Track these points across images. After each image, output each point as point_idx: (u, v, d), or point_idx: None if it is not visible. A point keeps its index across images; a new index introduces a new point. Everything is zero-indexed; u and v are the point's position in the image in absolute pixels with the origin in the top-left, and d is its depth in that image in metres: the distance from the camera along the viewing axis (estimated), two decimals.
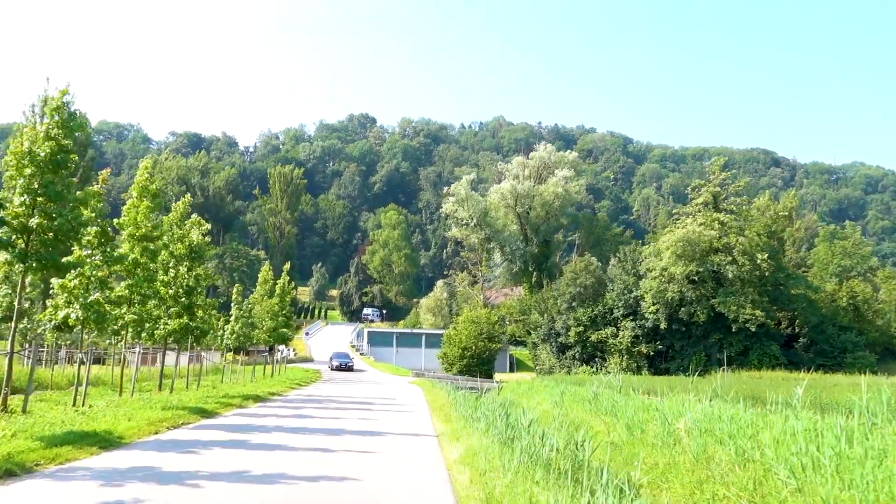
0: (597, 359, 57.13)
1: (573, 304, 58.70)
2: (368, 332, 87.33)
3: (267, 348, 58.44)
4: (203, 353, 55.05)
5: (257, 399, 23.62)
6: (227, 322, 33.19)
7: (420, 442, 13.90)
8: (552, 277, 70.22)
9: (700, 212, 54.66)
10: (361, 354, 76.06)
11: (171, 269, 22.44)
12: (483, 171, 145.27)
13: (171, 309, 22.48)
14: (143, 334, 22.20)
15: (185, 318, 22.39)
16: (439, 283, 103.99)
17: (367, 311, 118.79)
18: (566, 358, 59.15)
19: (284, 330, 44.09)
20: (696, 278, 52.31)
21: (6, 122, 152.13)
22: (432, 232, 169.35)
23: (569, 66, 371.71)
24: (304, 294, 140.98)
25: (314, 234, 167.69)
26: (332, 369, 52.70)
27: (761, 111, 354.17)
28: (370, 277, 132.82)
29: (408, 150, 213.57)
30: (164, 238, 23.03)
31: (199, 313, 24.74)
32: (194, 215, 24.51)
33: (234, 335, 32.57)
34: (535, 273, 73.86)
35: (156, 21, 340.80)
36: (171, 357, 53.24)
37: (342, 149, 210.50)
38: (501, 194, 72.92)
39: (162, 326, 22.20)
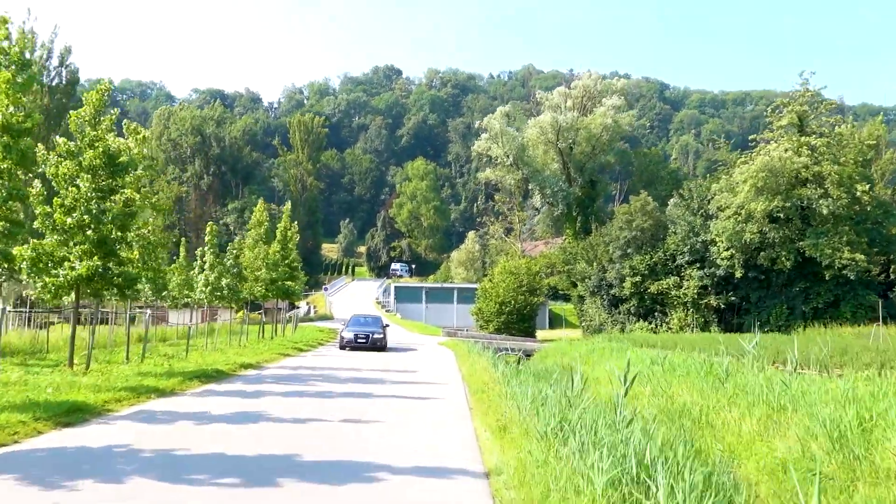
0: (656, 313, 49.07)
1: (628, 250, 50.28)
2: (396, 287, 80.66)
3: (286, 305, 51.53)
4: (221, 312, 48.56)
5: (213, 377, 16.22)
6: (202, 271, 25.70)
7: None
8: (600, 222, 61.70)
9: (784, 136, 45.47)
10: (387, 311, 68.81)
11: (72, 187, 14.90)
12: (513, 121, 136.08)
13: (78, 246, 15.02)
14: (39, 283, 14.99)
15: (97, 259, 14.88)
16: (471, 234, 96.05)
17: (394, 265, 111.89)
18: (619, 313, 51.14)
19: (290, 283, 36.61)
20: (780, 215, 43.54)
21: None
22: (462, 185, 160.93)
23: (600, 9, 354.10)
24: (333, 251, 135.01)
25: (341, 190, 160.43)
26: (342, 346, 29.75)
27: (805, 51, 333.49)
28: (398, 231, 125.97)
29: (435, 101, 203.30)
30: (70, 143, 15.54)
31: (134, 254, 17.32)
32: (116, 110, 16.89)
33: (209, 287, 25.14)
34: (579, 217, 65.22)
35: None
36: (174, 316, 46.98)
37: (367, 102, 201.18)
38: (541, 128, 63.75)
39: (66, 271, 14.81)
